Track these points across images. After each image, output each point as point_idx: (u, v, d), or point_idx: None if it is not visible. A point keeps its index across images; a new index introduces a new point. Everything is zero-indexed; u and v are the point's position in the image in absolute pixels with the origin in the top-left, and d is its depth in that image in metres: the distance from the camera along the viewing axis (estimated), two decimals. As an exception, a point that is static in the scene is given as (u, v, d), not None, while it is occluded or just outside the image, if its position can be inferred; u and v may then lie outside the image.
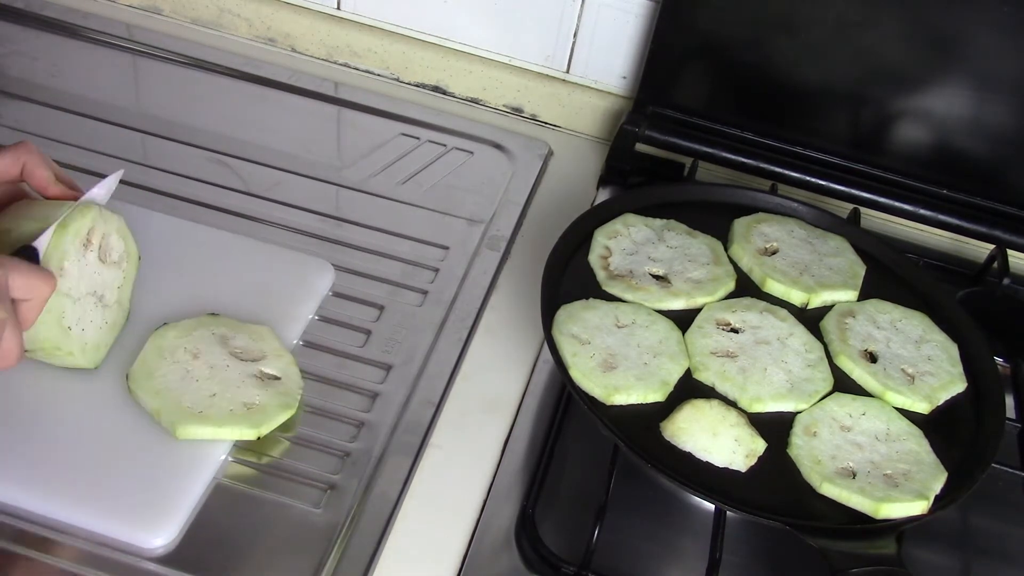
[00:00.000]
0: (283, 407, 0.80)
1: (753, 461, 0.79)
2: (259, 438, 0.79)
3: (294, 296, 0.90)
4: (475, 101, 1.20)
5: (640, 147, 1.12)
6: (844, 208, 1.06)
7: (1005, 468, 0.86)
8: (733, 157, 1.10)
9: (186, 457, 0.77)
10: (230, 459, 0.79)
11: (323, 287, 0.92)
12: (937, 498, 0.78)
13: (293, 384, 0.82)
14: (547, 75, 1.19)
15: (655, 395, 0.81)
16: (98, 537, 0.72)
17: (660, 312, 0.88)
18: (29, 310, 0.70)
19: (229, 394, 0.79)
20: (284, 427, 0.80)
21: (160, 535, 0.73)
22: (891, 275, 0.98)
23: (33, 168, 0.78)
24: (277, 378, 0.82)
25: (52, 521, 0.73)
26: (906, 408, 0.85)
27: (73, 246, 0.76)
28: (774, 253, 0.96)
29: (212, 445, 0.78)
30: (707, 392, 0.83)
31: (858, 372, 0.87)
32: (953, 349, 0.90)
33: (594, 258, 0.92)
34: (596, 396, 0.80)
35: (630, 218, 0.96)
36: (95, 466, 0.75)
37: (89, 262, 0.79)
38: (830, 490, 0.77)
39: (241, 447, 0.79)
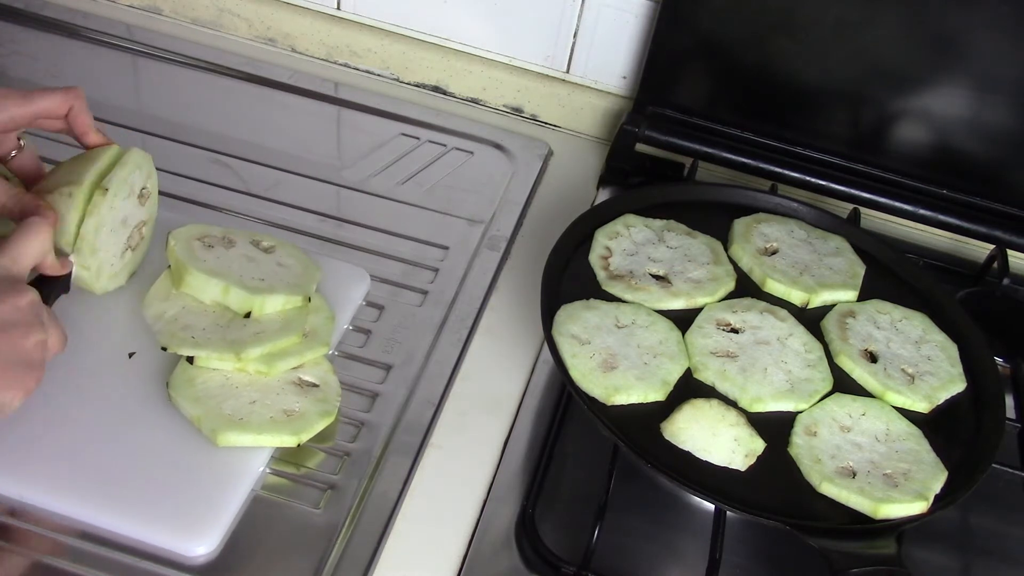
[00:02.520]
0: (323, 414, 0.80)
1: (752, 461, 0.79)
2: (299, 445, 0.78)
3: (333, 306, 0.88)
4: (475, 101, 1.20)
5: (640, 147, 1.12)
6: (844, 208, 1.06)
7: (1005, 468, 0.86)
8: (733, 157, 1.10)
9: (227, 464, 0.77)
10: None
11: (359, 296, 0.92)
12: (937, 498, 0.78)
13: (332, 391, 0.82)
14: (547, 75, 1.19)
15: (655, 395, 0.81)
16: (138, 544, 0.72)
17: (660, 312, 0.88)
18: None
19: (269, 401, 0.79)
20: (321, 436, 0.80)
21: (203, 543, 0.73)
22: (891, 275, 0.98)
23: (78, 113, 0.81)
24: (316, 385, 0.82)
25: (92, 528, 0.73)
26: (906, 408, 0.85)
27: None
28: (774, 253, 0.96)
29: (252, 452, 0.78)
30: (707, 392, 0.83)
31: (858, 372, 0.87)
32: (953, 349, 0.90)
33: (594, 258, 0.92)
34: (596, 396, 0.80)
35: (630, 218, 0.96)
36: (135, 473, 0.75)
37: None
38: (829, 489, 0.77)
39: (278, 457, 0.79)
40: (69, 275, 0.79)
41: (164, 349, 0.80)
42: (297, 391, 0.81)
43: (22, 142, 0.82)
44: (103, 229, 0.80)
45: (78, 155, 0.82)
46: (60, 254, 0.78)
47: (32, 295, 0.70)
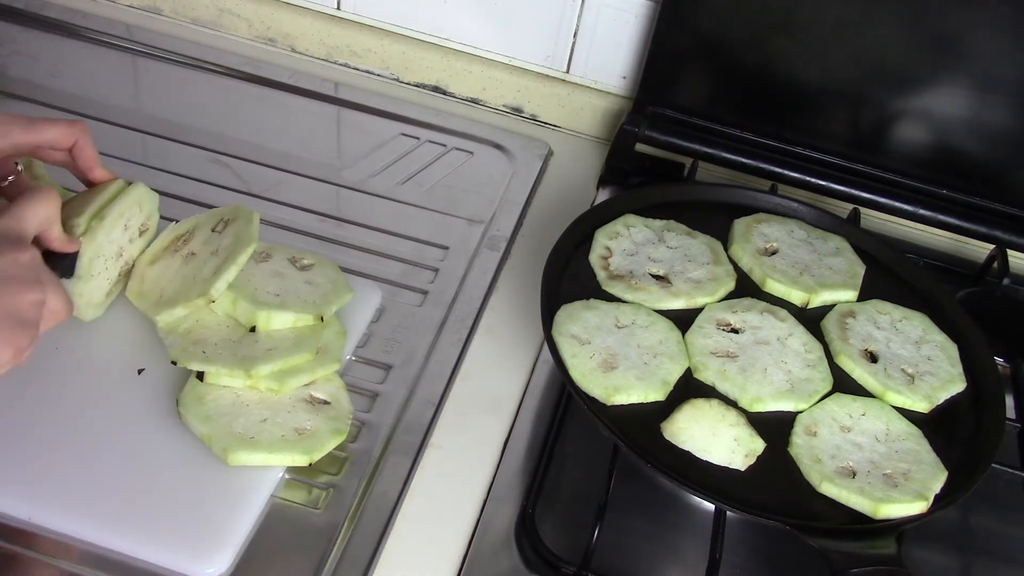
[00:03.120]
0: (335, 432, 0.79)
1: (752, 461, 0.79)
2: (310, 464, 0.77)
3: (344, 321, 0.87)
4: (475, 101, 1.20)
5: (640, 147, 1.12)
6: (844, 208, 1.06)
7: (1005, 468, 0.86)
8: (733, 157, 1.10)
9: (238, 483, 0.76)
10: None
11: (371, 311, 0.91)
12: (937, 498, 0.78)
13: (343, 409, 0.81)
14: (547, 75, 1.19)
15: (655, 395, 0.81)
16: (149, 567, 0.71)
17: (660, 312, 0.88)
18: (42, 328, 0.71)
19: (280, 419, 0.78)
20: (333, 454, 0.79)
21: (213, 565, 0.72)
22: (891, 275, 0.98)
23: (84, 147, 0.79)
24: (327, 403, 0.81)
25: (100, 549, 0.72)
26: (906, 408, 0.85)
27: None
28: (774, 253, 0.96)
29: (264, 471, 0.77)
30: (707, 392, 0.83)
31: (858, 372, 0.87)
32: (953, 349, 0.90)
33: (594, 258, 0.92)
34: (596, 396, 0.80)
35: (630, 218, 0.96)
36: (145, 493, 0.74)
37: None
38: (829, 489, 0.77)
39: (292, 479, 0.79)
40: (74, 257, 0.77)
41: (174, 363, 0.79)
42: (308, 408, 0.80)
43: (19, 167, 0.80)
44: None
45: (84, 191, 0.81)
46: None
47: (34, 253, 0.68)
